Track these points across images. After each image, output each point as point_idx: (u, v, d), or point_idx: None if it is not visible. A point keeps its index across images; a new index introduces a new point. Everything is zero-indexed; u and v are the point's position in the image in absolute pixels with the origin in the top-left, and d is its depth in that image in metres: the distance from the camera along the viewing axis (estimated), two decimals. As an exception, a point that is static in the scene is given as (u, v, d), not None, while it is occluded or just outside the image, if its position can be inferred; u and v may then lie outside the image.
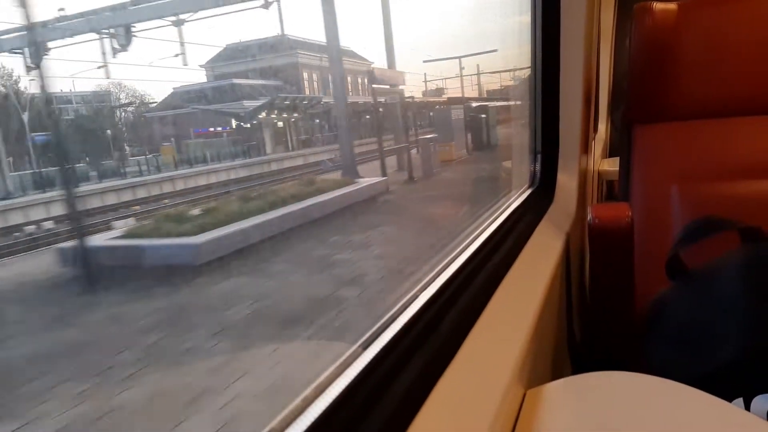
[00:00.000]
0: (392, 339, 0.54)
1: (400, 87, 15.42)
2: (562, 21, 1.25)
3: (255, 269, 5.70)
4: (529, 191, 1.39)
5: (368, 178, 10.69)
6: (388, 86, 14.64)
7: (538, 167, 1.42)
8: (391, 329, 0.56)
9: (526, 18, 1.36)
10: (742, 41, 1.19)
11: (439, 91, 27.55)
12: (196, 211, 7.11)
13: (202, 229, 6.07)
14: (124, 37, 9.13)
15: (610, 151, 3.06)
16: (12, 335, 4.20)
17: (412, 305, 0.63)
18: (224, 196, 10.60)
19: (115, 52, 9.30)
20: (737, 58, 1.20)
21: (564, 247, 1.03)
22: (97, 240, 5.99)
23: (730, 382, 0.66)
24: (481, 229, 1.04)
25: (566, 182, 1.36)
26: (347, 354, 0.51)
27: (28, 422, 2.86)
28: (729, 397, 0.62)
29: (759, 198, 1.06)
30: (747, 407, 0.63)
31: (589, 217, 1.04)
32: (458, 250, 0.89)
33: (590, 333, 1.13)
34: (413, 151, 13.10)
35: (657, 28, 1.20)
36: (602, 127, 3.22)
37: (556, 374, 0.81)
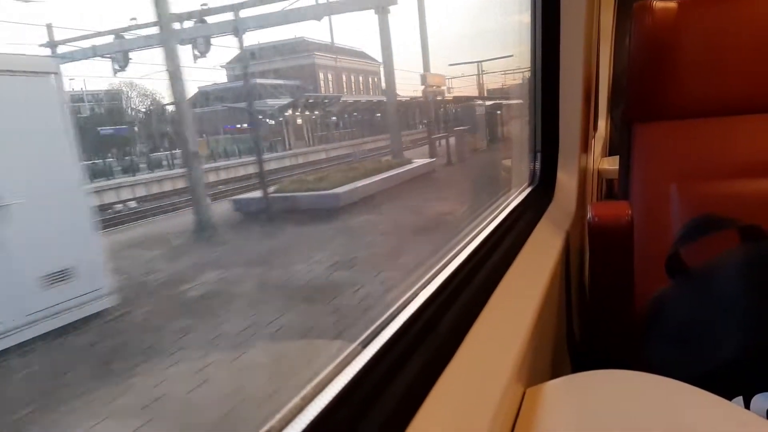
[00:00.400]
0: (392, 337, 0.52)
1: (443, 88, 17.94)
2: (562, 19, 1.22)
3: (375, 211, 8.35)
4: (528, 189, 1.38)
5: (420, 159, 12.85)
6: (426, 87, 16.74)
7: (537, 166, 1.40)
8: (390, 328, 0.54)
9: (527, 17, 1.36)
10: (742, 40, 1.15)
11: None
12: (310, 178, 10.03)
13: (333, 186, 8.71)
14: (204, 45, 10.09)
15: (610, 150, 3.03)
16: (246, 243, 6.62)
17: (412, 304, 0.61)
18: (318, 171, 12.95)
19: (195, 58, 10.37)
20: (737, 57, 1.16)
21: (563, 246, 1.01)
22: (259, 194, 8.57)
23: (729, 381, 0.64)
24: (485, 223, 1.04)
25: (566, 181, 1.34)
26: (346, 353, 0.51)
27: (311, 263, 5.18)
28: (729, 396, 0.60)
29: (759, 196, 1.03)
30: (747, 405, 0.61)
31: (588, 215, 1.01)
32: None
33: (590, 331, 1.11)
34: (442, 141, 15.23)
35: (657, 27, 1.17)
36: (602, 125, 3.20)
37: (555, 373, 0.80)
